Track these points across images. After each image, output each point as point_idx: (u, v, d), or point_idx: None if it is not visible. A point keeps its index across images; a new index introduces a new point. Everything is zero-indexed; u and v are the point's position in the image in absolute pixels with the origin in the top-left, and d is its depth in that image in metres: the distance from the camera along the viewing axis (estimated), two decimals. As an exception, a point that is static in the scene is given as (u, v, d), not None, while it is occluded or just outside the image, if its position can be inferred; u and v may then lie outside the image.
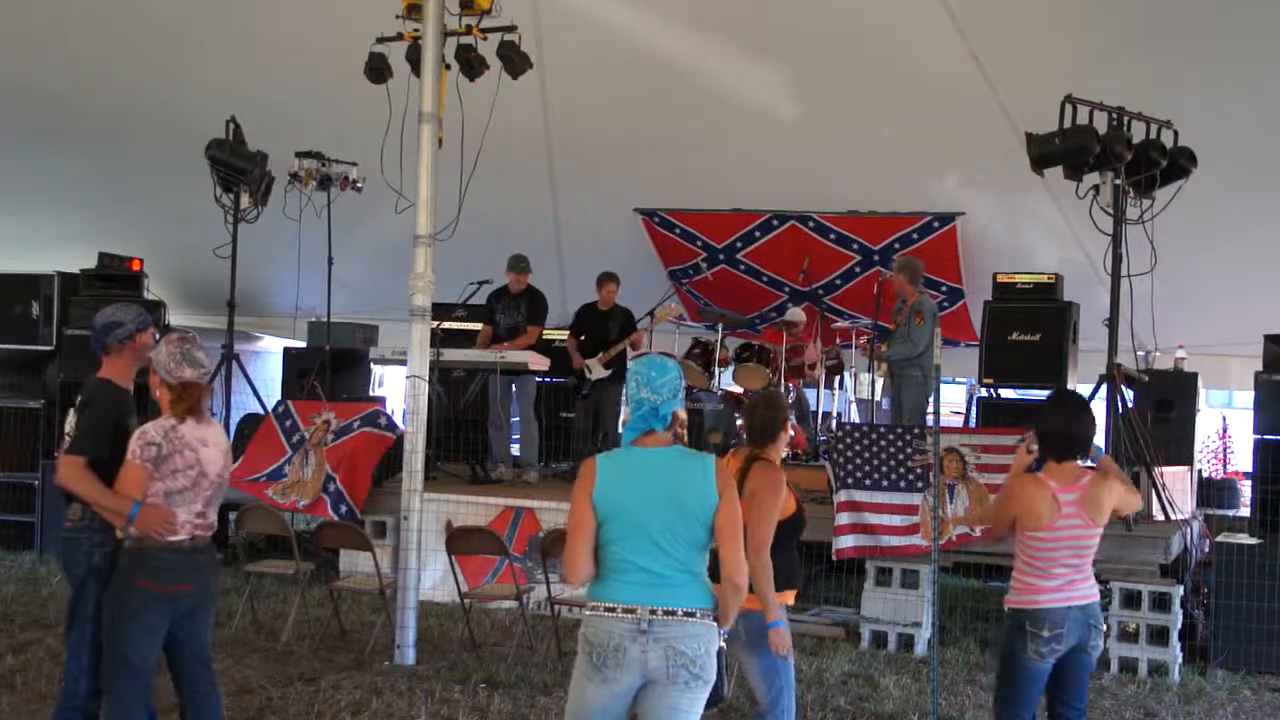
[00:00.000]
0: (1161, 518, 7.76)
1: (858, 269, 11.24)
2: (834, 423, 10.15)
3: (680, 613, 3.70)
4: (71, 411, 4.75)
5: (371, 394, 12.22)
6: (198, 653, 4.74)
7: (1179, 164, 7.75)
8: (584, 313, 10.32)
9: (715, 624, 3.78)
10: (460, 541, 7.40)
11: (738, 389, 10.88)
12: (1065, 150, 7.60)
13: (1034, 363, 9.10)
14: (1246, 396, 9.58)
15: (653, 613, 3.69)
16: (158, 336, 4.89)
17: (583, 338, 10.17)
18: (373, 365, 11.56)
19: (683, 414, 3.91)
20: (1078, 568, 4.62)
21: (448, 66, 7.42)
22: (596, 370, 10.00)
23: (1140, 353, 8.92)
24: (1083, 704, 4.73)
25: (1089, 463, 4.72)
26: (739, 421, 10.59)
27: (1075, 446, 4.66)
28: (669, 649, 3.67)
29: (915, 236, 10.91)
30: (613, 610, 3.72)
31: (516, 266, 9.84)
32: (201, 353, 4.66)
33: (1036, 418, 4.75)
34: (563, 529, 3.91)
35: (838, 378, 11.21)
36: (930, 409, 8.00)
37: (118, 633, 4.51)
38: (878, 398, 9.83)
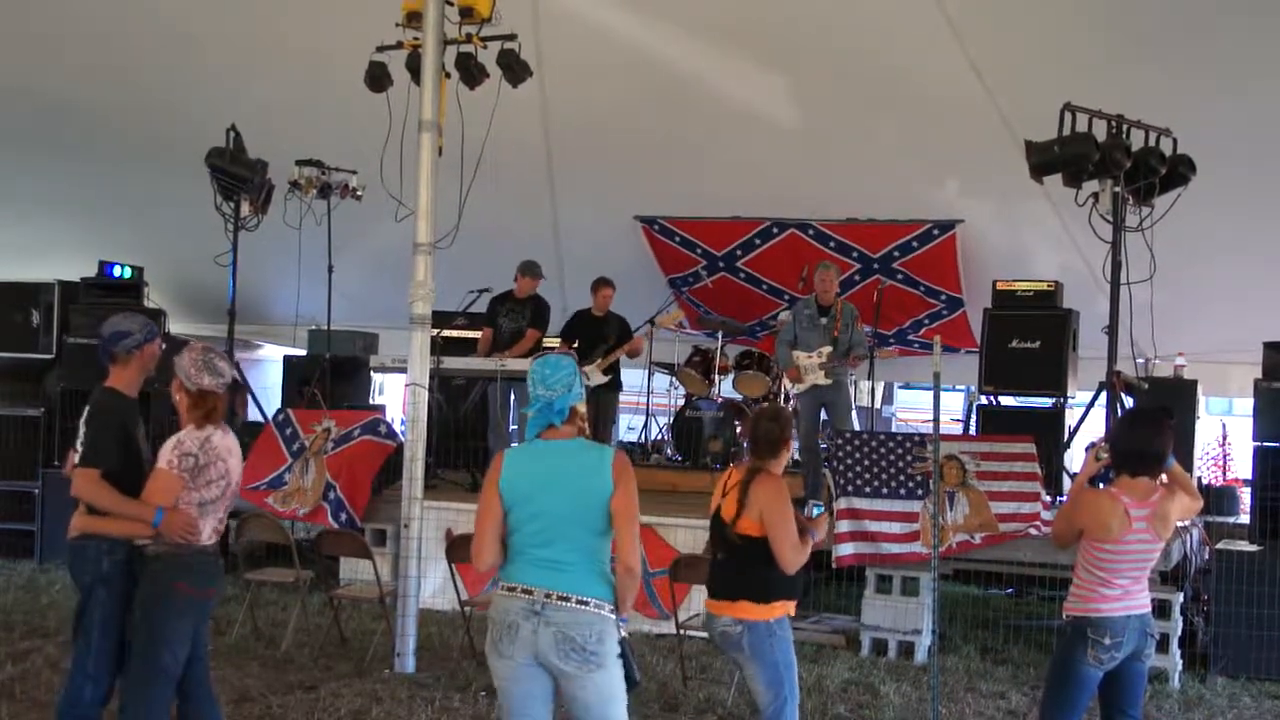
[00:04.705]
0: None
1: (857, 277, 11.24)
2: (833, 430, 10.14)
3: (574, 600, 3.89)
4: (82, 421, 4.75)
5: (371, 402, 12.22)
6: (200, 656, 4.78)
7: (1178, 171, 7.75)
8: (578, 318, 10.26)
9: (611, 614, 3.94)
10: (461, 549, 7.36)
11: (738, 397, 10.88)
12: (1064, 158, 7.61)
13: (1034, 370, 9.09)
14: (1246, 404, 9.56)
15: (547, 596, 3.89)
16: (163, 347, 4.94)
17: (576, 344, 10.14)
18: (373, 374, 11.56)
19: (582, 408, 4.12)
20: (1137, 579, 4.65)
21: (448, 75, 7.43)
22: (595, 376, 9.96)
23: (1140, 360, 8.92)
24: (1139, 711, 4.77)
25: (1162, 478, 4.69)
26: (739, 429, 10.59)
27: (1149, 464, 4.64)
28: (559, 633, 3.86)
29: (914, 244, 10.92)
30: (513, 590, 3.94)
31: (531, 271, 9.85)
32: (224, 363, 4.76)
33: (1112, 431, 4.73)
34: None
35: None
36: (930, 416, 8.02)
37: (155, 638, 4.54)
38: (793, 394, 9.65)
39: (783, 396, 10.35)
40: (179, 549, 4.57)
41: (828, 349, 8.93)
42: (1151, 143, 7.73)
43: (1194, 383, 9.36)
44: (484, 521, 4.00)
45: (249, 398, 10.28)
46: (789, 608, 4.81)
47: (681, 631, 6.96)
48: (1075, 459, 8.92)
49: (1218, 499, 9.95)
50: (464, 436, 10.02)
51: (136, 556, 4.65)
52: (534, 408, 4.07)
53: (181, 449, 4.57)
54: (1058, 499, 8.01)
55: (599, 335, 10.00)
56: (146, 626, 4.56)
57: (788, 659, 4.77)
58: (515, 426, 10.29)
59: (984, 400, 9.40)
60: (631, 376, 11.56)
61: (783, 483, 4.81)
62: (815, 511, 5.04)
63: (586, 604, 3.89)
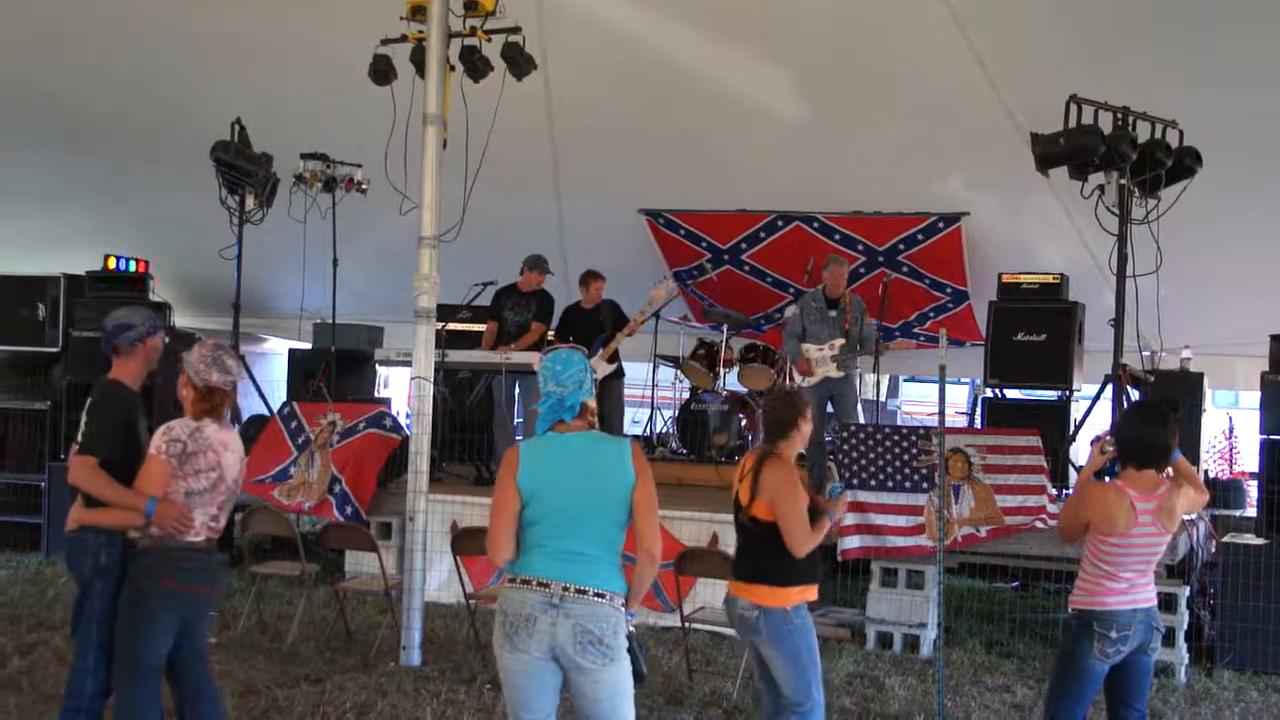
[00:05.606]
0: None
1: (862, 270, 11.23)
2: (839, 423, 10.13)
3: (591, 593, 3.88)
4: (84, 412, 4.76)
5: (376, 395, 12.23)
6: (200, 652, 4.78)
7: (1184, 163, 7.73)
8: (569, 314, 10.16)
9: (623, 609, 3.94)
10: (466, 542, 7.39)
11: (743, 390, 10.87)
12: (1070, 150, 7.59)
13: (1039, 363, 9.08)
14: (1253, 397, 9.54)
15: (565, 589, 3.87)
16: (167, 340, 4.94)
17: (570, 339, 10.09)
18: (378, 367, 11.56)
19: (592, 404, 4.10)
20: (1143, 572, 4.65)
21: (452, 68, 7.43)
22: (601, 369, 9.92)
23: (1146, 353, 8.89)
24: (1144, 704, 4.77)
25: (1168, 471, 4.69)
26: (744, 422, 10.59)
27: (1155, 456, 4.63)
28: (577, 626, 3.85)
29: (920, 237, 10.90)
30: (528, 583, 3.92)
31: (539, 266, 9.83)
32: (233, 361, 4.75)
33: (1118, 424, 4.73)
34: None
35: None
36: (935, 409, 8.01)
37: (135, 633, 4.53)
38: (800, 386, 9.64)
39: None
40: (164, 543, 4.54)
41: (839, 341, 8.94)
42: (1158, 135, 7.70)
43: (1200, 376, 9.34)
44: (501, 516, 3.97)
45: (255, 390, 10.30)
46: (808, 593, 4.78)
47: (686, 624, 6.95)
48: (1081, 452, 8.90)
49: (1224, 492, 9.93)
50: (469, 430, 10.01)
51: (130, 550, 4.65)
52: (545, 404, 4.04)
53: (170, 434, 4.56)
54: (1063, 492, 8.00)
55: (595, 327, 9.94)
56: (127, 620, 4.55)
57: (809, 645, 4.73)
58: (520, 420, 10.29)
59: (989, 393, 9.39)
60: (636, 370, 11.54)
61: (792, 466, 4.82)
62: (834, 492, 5.03)
63: (604, 597, 3.89)
